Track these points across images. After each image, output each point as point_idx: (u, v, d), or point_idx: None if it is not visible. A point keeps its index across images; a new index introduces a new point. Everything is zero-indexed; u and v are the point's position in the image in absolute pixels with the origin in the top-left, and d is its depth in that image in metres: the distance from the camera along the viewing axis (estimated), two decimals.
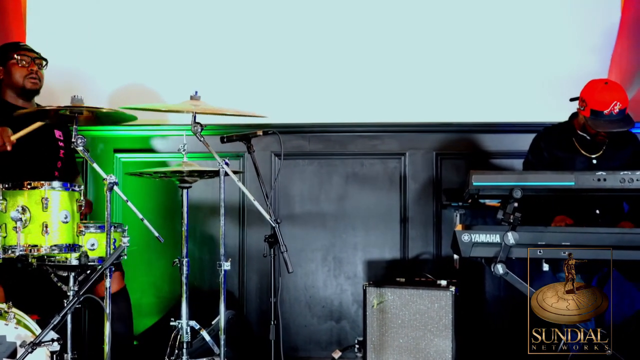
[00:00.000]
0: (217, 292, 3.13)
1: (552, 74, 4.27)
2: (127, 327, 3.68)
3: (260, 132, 3.31)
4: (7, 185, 2.96)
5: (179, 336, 3.32)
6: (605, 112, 3.38)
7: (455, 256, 3.22)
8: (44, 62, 3.70)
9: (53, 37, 4.39)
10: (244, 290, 4.38)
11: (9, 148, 3.28)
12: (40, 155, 3.60)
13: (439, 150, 4.36)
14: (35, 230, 2.93)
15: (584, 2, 4.35)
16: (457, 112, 4.33)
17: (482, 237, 3.04)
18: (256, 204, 3.04)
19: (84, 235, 3.03)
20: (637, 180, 2.95)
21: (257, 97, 4.33)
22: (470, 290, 4.16)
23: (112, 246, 2.97)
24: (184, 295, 3.35)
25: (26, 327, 2.94)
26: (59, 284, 3.13)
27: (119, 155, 4.42)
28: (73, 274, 3.10)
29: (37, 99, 3.75)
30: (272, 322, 3.13)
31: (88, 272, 3.10)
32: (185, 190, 3.40)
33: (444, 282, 3.62)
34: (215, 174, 3.24)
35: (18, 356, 2.75)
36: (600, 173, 2.98)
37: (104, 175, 2.91)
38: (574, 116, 3.65)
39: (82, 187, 3.11)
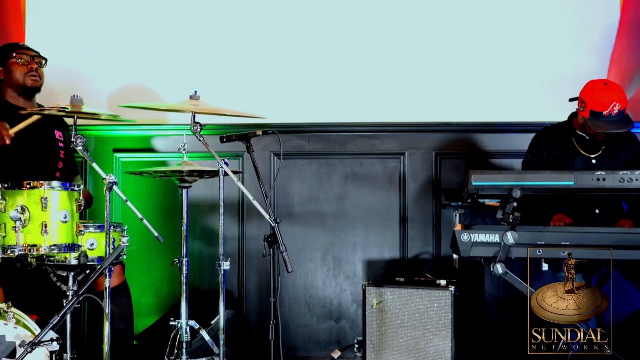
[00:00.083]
0: (216, 292, 3.13)
1: (551, 73, 4.28)
2: (127, 324, 3.68)
3: (259, 132, 3.31)
4: (6, 185, 2.96)
5: (178, 336, 3.32)
6: (605, 113, 3.38)
7: (455, 256, 3.22)
8: (44, 61, 3.71)
9: (53, 37, 4.39)
10: (244, 290, 4.38)
11: (8, 142, 3.28)
12: (41, 156, 3.61)
13: (438, 150, 4.36)
14: (34, 230, 2.93)
15: (584, 2, 4.35)
16: (456, 112, 4.33)
17: (481, 237, 3.04)
18: (256, 203, 3.04)
19: (83, 235, 3.04)
20: (637, 180, 2.95)
21: (256, 97, 4.33)
22: (470, 290, 4.16)
23: (111, 246, 2.97)
24: (184, 295, 3.36)
25: (26, 327, 2.94)
26: (58, 284, 3.12)
27: (118, 155, 4.42)
28: (72, 273, 3.10)
29: (38, 99, 3.75)
30: (272, 322, 3.14)
31: (87, 272, 3.11)
32: (185, 190, 3.40)
33: (443, 282, 3.62)
34: (215, 173, 3.24)
35: (17, 356, 2.75)
36: (599, 173, 2.98)
37: (103, 175, 2.92)
38: (573, 116, 3.65)
39: (82, 187, 3.11)
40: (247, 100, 4.25)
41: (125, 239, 3.14)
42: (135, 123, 4.05)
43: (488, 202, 3.26)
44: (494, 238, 3.03)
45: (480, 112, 4.32)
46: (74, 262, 3.02)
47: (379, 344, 3.65)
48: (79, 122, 3.06)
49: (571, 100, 3.56)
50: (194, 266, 3.84)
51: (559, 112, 3.76)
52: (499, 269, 3.00)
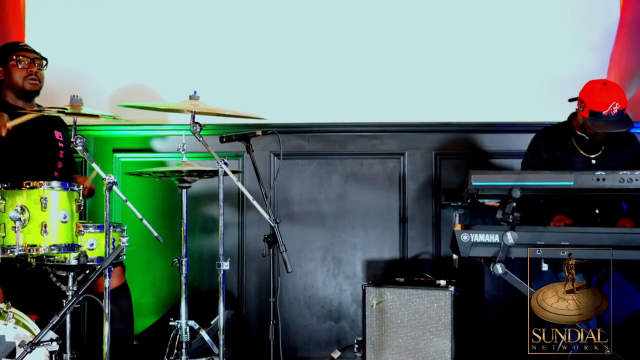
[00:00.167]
0: (216, 292, 3.13)
1: (551, 73, 4.27)
2: (127, 325, 3.68)
3: (259, 132, 3.31)
4: (6, 185, 2.96)
5: (178, 336, 3.32)
6: (604, 112, 3.38)
7: (455, 256, 3.22)
8: (44, 62, 3.70)
9: (53, 37, 4.39)
10: (243, 290, 4.38)
11: (3, 134, 3.28)
12: (40, 156, 3.60)
13: (438, 150, 4.36)
14: (34, 230, 2.93)
15: (584, 2, 4.35)
16: (456, 112, 4.33)
17: (481, 237, 3.04)
18: (255, 203, 3.04)
19: (82, 235, 3.04)
20: (636, 180, 2.95)
21: (256, 96, 4.33)
22: (470, 290, 4.15)
23: (111, 246, 2.97)
24: (183, 295, 3.36)
25: (25, 327, 2.93)
26: (57, 284, 3.12)
27: (118, 155, 4.42)
28: (72, 273, 3.10)
29: (37, 99, 3.74)
30: (271, 322, 3.13)
31: (87, 272, 3.11)
32: (184, 190, 3.40)
33: (443, 282, 3.62)
34: (214, 173, 3.24)
35: (17, 356, 2.75)
36: (599, 173, 2.98)
37: (103, 175, 2.92)
38: (572, 116, 3.65)
39: (81, 187, 3.11)
40: (247, 100, 4.25)
41: (124, 239, 3.15)
42: (135, 123, 4.05)
43: (488, 202, 3.26)
44: (494, 238, 3.03)
45: (480, 112, 4.32)
46: (74, 262, 3.02)
47: (378, 344, 3.65)
48: (79, 121, 3.07)
49: (570, 100, 3.56)
50: (194, 266, 3.84)
51: (559, 112, 3.75)
52: (499, 269, 3.00)
